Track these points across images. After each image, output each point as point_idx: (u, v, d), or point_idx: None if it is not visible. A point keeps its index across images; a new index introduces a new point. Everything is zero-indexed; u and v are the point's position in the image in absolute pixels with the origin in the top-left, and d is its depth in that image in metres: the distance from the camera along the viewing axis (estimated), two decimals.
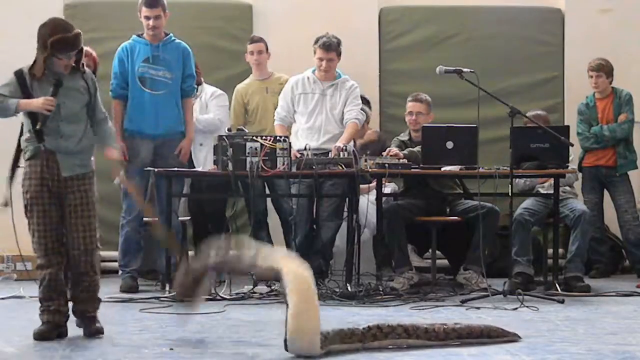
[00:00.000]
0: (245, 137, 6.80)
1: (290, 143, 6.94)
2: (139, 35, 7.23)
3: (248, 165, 6.71)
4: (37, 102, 4.87)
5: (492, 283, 6.71)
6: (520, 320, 5.49)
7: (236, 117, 8.09)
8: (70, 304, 5.07)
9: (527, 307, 6.04)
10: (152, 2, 7.12)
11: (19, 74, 4.96)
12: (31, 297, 6.50)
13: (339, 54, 7.44)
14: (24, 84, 4.93)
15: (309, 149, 7.03)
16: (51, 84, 4.92)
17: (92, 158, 5.16)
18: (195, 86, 7.53)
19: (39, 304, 4.98)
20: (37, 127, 4.90)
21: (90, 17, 8.78)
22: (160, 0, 7.16)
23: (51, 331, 4.91)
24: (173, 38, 7.27)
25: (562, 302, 6.34)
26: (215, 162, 6.88)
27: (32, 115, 4.93)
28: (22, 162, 5.09)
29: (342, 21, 8.68)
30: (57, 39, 4.84)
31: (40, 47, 4.91)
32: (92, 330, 5.02)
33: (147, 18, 7.15)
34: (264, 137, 6.85)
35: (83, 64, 5.08)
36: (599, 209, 8.27)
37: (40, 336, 4.88)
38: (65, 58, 4.91)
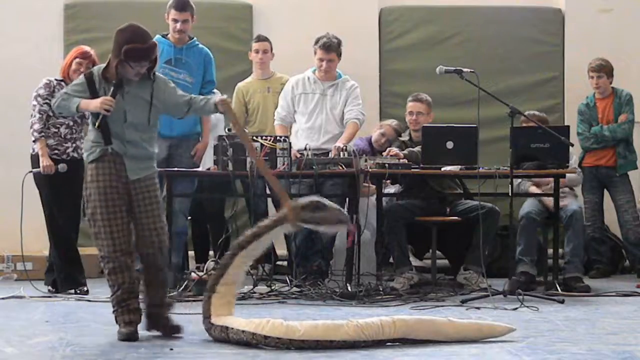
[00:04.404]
0: None
1: (290, 143, 6.94)
2: (163, 36, 7.18)
3: (248, 165, 6.71)
4: (95, 102, 4.87)
5: (492, 283, 6.70)
6: (520, 320, 5.48)
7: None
8: None
9: (527, 307, 6.03)
10: (182, 6, 7.12)
11: (89, 76, 4.98)
12: (31, 297, 6.51)
13: (339, 55, 7.44)
14: (93, 86, 4.94)
15: (309, 149, 7.03)
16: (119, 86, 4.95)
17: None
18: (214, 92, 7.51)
19: (115, 307, 4.92)
20: (96, 125, 4.88)
21: (90, 17, 8.80)
22: (190, 5, 7.16)
23: (135, 332, 4.87)
24: (197, 42, 7.26)
25: (562, 302, 6.34)
26: (215, 162, 6.87)
27: (95, 116, 4.92)
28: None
29: (342, 21, 8.68)
30: (130, 48, 4.86)
31: (114, 52, 4.92)
32: (175, 329, 5.00)
33: (175, 21, 7.14)
34: (264, 137, 6.85)
35: (154, 73, 5.05)
36: (599, 209, 8.27)
37: (127, 337, 4.82)
38: (136, 67, 4.91)
